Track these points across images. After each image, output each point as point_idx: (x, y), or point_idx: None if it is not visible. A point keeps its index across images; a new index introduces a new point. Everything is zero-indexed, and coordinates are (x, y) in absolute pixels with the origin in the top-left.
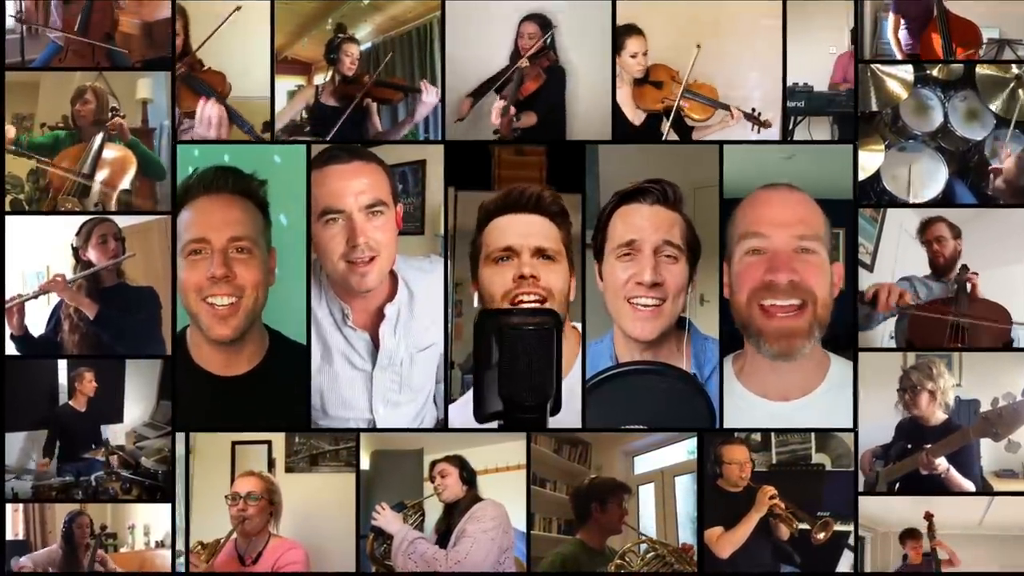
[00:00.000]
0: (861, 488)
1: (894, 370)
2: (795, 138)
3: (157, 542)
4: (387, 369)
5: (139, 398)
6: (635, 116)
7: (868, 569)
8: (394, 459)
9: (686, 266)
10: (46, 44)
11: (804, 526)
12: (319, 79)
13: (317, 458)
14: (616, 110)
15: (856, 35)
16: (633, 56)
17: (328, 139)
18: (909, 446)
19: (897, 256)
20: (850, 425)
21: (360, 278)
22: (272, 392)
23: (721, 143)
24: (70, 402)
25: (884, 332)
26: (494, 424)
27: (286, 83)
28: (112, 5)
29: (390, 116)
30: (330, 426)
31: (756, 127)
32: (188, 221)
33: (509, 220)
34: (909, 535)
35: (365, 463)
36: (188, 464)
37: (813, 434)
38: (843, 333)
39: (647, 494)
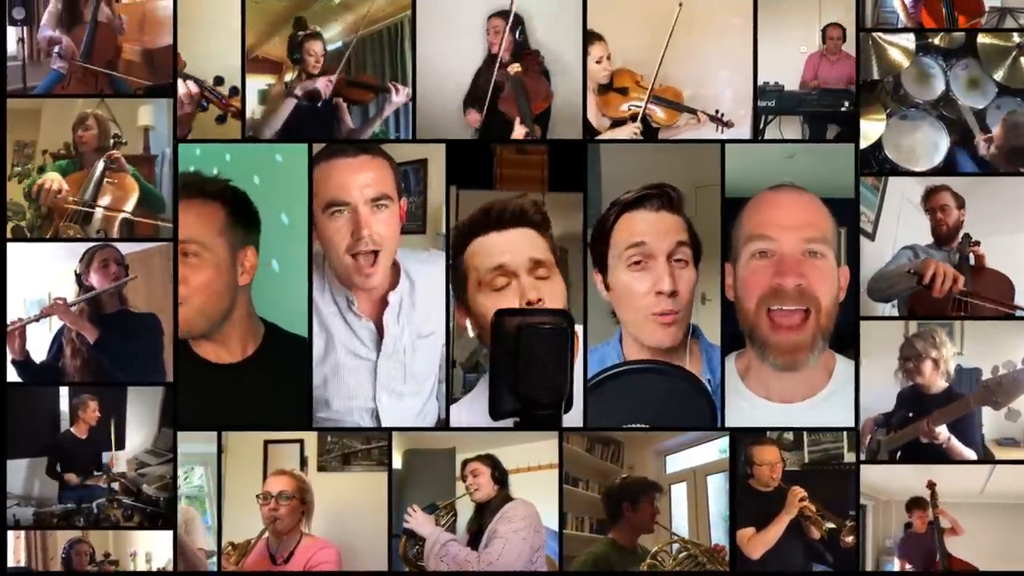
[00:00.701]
0: (863, 457)
1: (896, 338)
2: (766, 137)
3: (159, 569)
4: (392, 357)
5: (141, 425)
6: (600, 124)
7: (869, 536)
8: (426, 458)
9: (694, 269)
10: (48, 71)
11: (833, 527)
12: (289, 77)
13: (349, 457)
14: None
15: (858, 3)
16: (598, 62)
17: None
18: (911, 414)
19: (899, 225)
20: (851, 424)
21: (365, 279)
22: (268, 386)
23: (723, 142)
24: (71, 429)
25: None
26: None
27: (257, 82)
28: (115, 32)
29: (360, 114)
30: (329, 417)
31: (720, 128)
32: None
33: (495, 239)
34: (916, 504)
35: (397, 462)
36: (220, 463)
37: (845, 433)
38: (847, 332)
39: (679, 493)
